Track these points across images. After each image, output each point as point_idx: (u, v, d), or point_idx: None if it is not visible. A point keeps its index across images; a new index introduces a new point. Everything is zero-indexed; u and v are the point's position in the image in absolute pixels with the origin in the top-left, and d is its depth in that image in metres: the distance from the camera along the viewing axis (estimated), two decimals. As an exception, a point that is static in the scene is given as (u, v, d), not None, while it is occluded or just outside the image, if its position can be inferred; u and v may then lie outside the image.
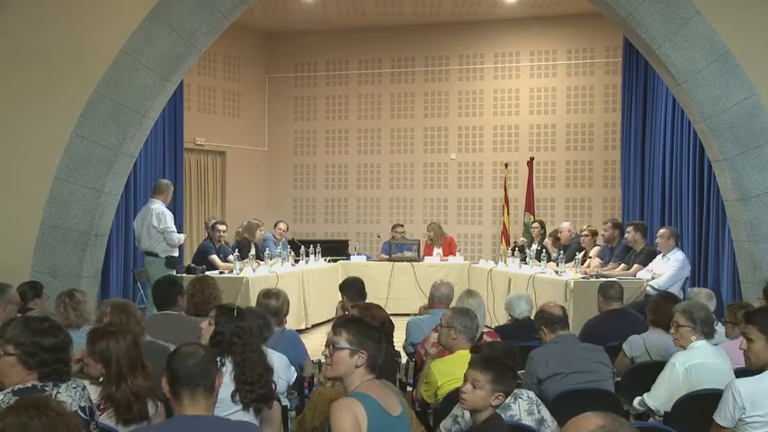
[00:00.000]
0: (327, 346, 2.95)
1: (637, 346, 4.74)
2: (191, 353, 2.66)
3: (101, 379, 3.16)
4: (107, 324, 3.52)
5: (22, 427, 2.10)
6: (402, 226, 11.31)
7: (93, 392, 3.08)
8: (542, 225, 10.32)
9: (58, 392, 2.84)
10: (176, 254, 7.75)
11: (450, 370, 3.95)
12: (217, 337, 3.41)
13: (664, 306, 4.69)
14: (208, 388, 2.62)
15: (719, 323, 4.95)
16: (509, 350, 3.74)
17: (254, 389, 3.27)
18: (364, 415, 2.71)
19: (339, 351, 2.89)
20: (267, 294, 4.98)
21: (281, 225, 10.27)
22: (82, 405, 2.88)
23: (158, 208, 7.61)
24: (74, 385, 2.94)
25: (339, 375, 2.91)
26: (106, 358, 3.14)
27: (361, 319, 3.20)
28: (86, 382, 3.08)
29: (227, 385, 3.22)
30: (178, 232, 7.74)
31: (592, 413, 1.82)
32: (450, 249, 10.75)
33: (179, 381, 2.60)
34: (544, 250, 9.11)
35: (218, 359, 3.23)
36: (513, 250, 9.38)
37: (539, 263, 8.63)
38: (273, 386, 3.42)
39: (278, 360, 3.86)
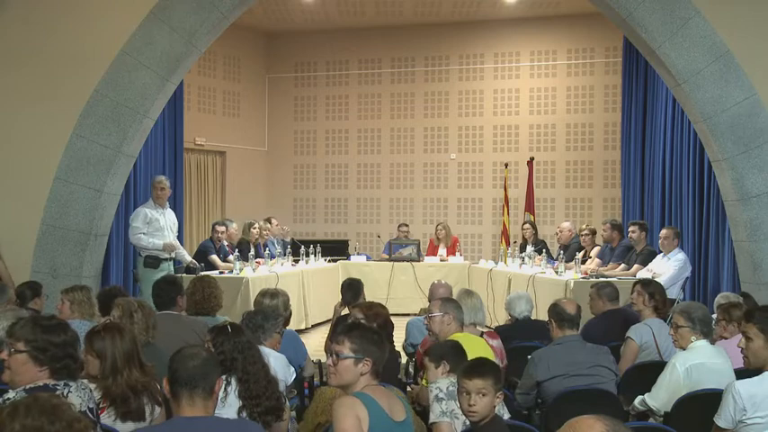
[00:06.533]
0: (330, 355, 2.95)
1: (645, 332, 4.77)
2: (192, 354, 2.67)
3: (99, 376, 3.17)
4: (104, 321, 3.54)
5: (37, 429, 2.08)
6: (407, 225, 11.36)
7: (93, 390, 3.08)
8: (533, 226, 10.34)
9: (69, 392, 2.85)
10: (164, 256, 7.41)
11: None
12: (219, 357, 3.39)
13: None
14: (206, 390, 2.62)
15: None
16: (458, 345, 3.75)
17: (261, 402, 3.25)
18: (366, 415, 2.74)
19: (343, 360, 2.90)
20: (273, 295, 5.00)
21: (260, 224, 9.97)
22: (90, 406, 2.89)
23: (141, 207, 7.56)
24: (83, 386, 2.94)
25: (344, 384, 2.93)
26: (102, 353, 3.15)
27: (361, 325, 3.20)
28: (85, 381, 3.08)
29: (232, 405, 3.21)
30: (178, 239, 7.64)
31: (593, 417, 1.80)
32: (452, 249, 10.77)
33: (178, 381, 2.61)
34: (544, 250, 9.13)
35: (225, 377, 3.22)
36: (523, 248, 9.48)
37: (539, 262, 8.65)
38: (282, 398, 3.40)
39: (276, 360, 3.85)
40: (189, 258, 7.94)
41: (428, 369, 3.64)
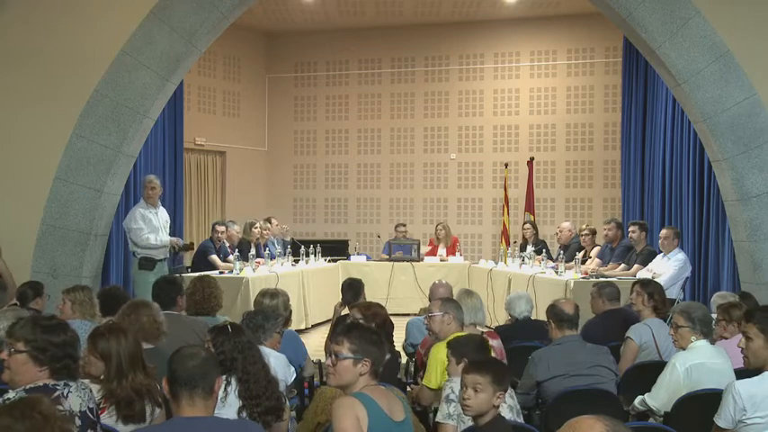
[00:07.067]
0: (329, 355, 2.95)
1: (644, 332, 4.76)
2: (191, 354, 2.66)
3: (101, 377, 3.17)
4: (108, 322, 3.54)
5: (4, 429, 2.10)
6: (404, 225, 11.36)
7: (94, 391, 3.08)
8: (534, 226, 10.34)
9: (69, 392, 2.85)
10: (160, 257, 7.41)
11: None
12: (219, 357, 3.39)
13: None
14: (206, 390, 2.62)
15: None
16: (482, 342, 3.75)
17: (261, 402, 3.25)
18: (365, 415, 2.74)
19: (342, 361, 2.90)
20: (273, 295, 5.00)
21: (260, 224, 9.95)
22: (90, 407, 2.89)
23: (135, 208, 7.55)
24: (83, 386, 2.94)
25: (343, 384, 2.93)
26: (107, 355, 3.15)
27: (360, 325, 3.21)
28: (86, 381, 3.08)
29: (232, 405, 3.21)
30: (172, 235, 7.63)
31: (593, 417, 1.80)
32: (452, 249, 10.77)
33: (177, 381, 2.61)
34: (544, 250, 9.14)
35: (225, 377, 3.22)
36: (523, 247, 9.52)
37: (539, 262, 8.64)
38: (282, 398, 3.40)
39: (276, 360, 3.85)
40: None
41: (449, 362, 3.66)
